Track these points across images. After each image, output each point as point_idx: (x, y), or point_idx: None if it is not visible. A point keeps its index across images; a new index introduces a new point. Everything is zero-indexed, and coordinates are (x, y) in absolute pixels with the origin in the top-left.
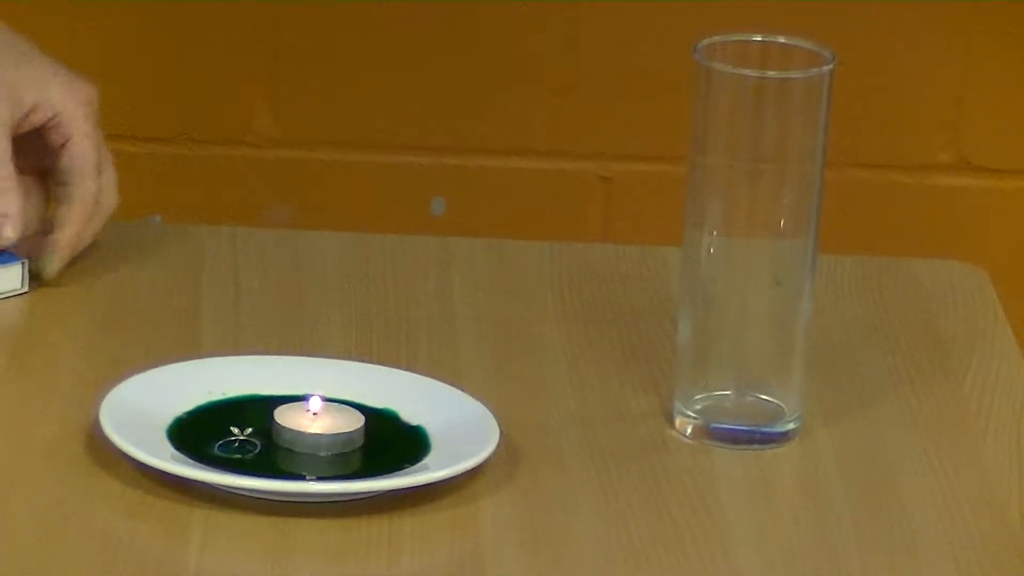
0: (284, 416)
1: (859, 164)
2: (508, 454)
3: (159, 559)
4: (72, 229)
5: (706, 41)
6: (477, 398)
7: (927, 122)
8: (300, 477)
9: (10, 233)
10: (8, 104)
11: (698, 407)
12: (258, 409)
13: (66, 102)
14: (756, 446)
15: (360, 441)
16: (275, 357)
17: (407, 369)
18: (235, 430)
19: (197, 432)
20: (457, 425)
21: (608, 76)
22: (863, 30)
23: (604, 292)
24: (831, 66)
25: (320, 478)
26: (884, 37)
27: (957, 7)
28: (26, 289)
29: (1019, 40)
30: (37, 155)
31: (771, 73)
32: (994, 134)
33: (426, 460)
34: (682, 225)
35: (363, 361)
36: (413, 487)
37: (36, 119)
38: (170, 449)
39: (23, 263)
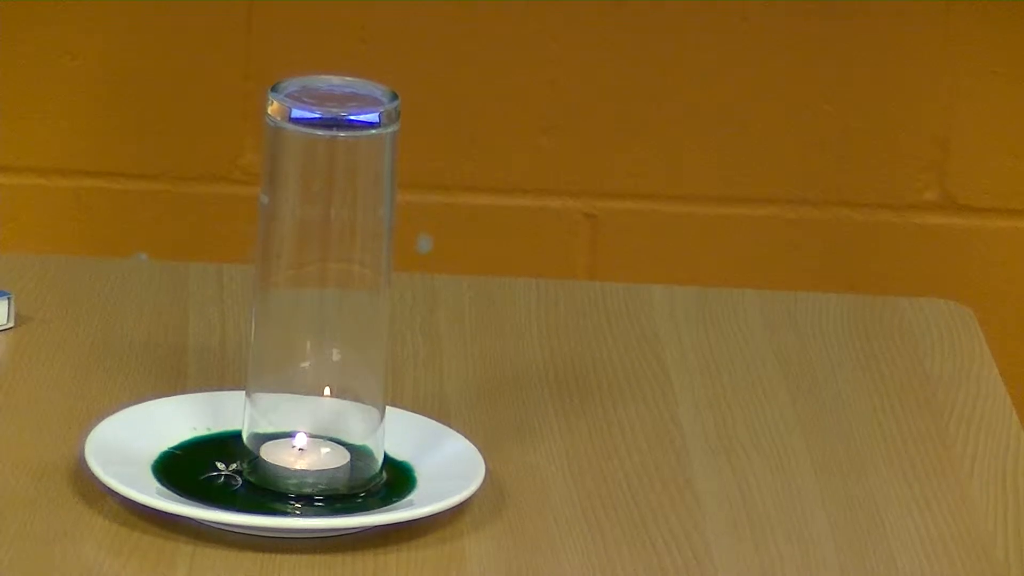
0: (270, 452)
1: (845, 203)
2: (494, 491)
3: None
4: None
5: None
6: (463, 435)
7: (913, 161)
8: (286, 513)
9: None
10: None
11: None
12: (244, 444)
13: None
14: None
15: (346, 477)
16: (260, 393)
17: (393, 406)
18: (220, 465)
19: (183, 467)
20: (443, 461)
21: (593, 113)
22: (849, 70)
23: (590, 329)
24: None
25: (305, 514)
26: (869, 77)
27: (942, 47)
28: (12, 324)
29: (1003, 80)
30: None
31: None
32: (979, 173)
33: (412, 496)
34: (663, 262)
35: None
36: (399, 523)
37: None
38: (156, 484)
39: (9, 298)
